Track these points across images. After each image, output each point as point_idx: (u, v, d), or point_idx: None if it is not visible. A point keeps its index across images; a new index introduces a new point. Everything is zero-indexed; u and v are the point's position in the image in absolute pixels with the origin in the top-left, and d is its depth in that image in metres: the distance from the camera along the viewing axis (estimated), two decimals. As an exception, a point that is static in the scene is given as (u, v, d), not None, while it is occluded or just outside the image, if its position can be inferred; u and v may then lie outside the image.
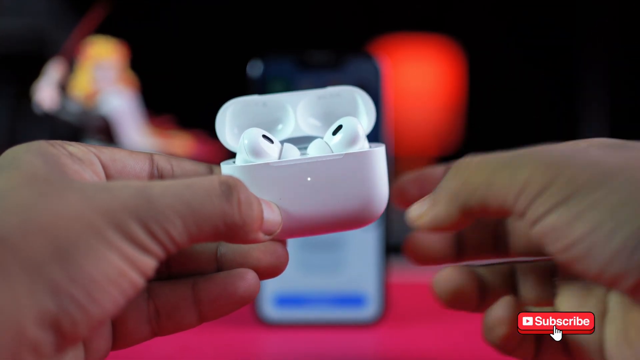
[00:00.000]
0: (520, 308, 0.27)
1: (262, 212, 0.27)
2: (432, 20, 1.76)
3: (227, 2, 1.66)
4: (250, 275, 0.28)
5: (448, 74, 1.79)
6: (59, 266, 0.22)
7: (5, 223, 0.22)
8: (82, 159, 0.27)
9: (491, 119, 1.69)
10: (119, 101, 0.58)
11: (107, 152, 0.28)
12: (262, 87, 0.46)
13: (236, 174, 0.28)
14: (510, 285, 0.30)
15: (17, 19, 1.55)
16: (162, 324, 0.28)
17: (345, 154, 0.28)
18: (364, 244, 0.45)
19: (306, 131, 0.30)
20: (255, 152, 0.28)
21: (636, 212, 0.22)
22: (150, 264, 0.24)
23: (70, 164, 0.26)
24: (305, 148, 0.30)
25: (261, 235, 0.27)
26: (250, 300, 0.28)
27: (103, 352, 0.27)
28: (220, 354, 0.39)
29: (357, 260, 0.45)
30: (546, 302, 0.29)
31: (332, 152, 0.29)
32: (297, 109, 0.31)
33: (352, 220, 0.29)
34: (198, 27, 1.66)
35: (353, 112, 0.31)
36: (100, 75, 0.58)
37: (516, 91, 1.71)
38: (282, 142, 0.29)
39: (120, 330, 0.27)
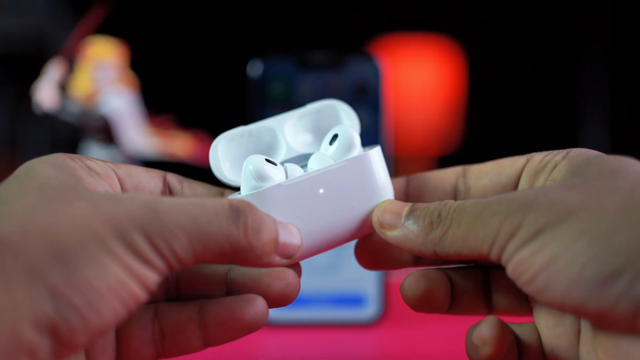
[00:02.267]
0: (503, 326, 0.27)
1: (275, 235, 0.26)
2: (432, 20, 1.76)
3: (227, 2, 1.66)
4: (259, 302, 0.27)
5: (448, 74, 1.79)
6: (57, 270, 0.22)
7: (7, 225, 0.22)
8: (100, 172, 0.27)
9: (491, 119, 1.69)
10: (119, 101, 0.58)
11: (123, 168, 0.29)
12: (262, 87, 0.46)
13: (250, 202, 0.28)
14: (482, 291, 0.30)
15: (17, 19, 1.55)
16: (166, 346, 0.27)
17: (349, 159, 0.29)
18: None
19: (299, 150, 0.31)
20: (262, 176, 0.28)
21: (590, 244, 0.23)
22: (152, 277, 0.24)
23: (86, 176, 0.26)
24: (304, 165, 0.30)
25: (277, 259, 0.27)
26: (257, 328, 0.27)
27: None
28: (221, 354, 0.39)
29: (357, 260, 0.45)
30: (520, 312, 0.29)
31: (333, 162, 0.29)
32: (284, 131, 0.31)
33: (367, 224, 0.29)
34: (198, 27, 1.66)
35: (337, 124, 0.31)
36: (100, 75, 0.58)
37: (516, 91, 1.71)
38: (282, 164, 0.30)
39: (125, 348, 0.27)
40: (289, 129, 0.31)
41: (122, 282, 0.23)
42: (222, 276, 0.28)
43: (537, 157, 0.29)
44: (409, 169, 1.72)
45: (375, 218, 0.28)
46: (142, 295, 0.24)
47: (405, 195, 0.31)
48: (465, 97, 1.77)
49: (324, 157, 0.29)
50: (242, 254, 0.25)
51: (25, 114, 1.47)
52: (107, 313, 0.23)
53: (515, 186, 0.29)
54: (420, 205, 0.28)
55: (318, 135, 0.31)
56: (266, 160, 0.28)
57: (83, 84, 0.58)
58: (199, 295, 0.28)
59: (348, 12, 1.73)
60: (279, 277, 0.27)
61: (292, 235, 0.27)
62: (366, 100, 0.46)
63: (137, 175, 0.29)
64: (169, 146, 0.61)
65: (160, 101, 0.67)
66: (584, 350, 0.26)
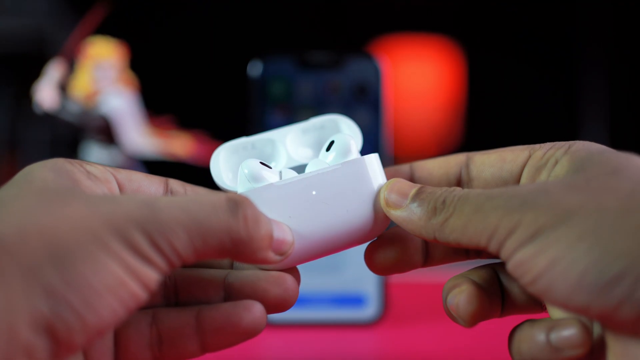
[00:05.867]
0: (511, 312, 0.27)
1: (271, 230, 0.26)
2: (432, 20, 1.76)
3: (227, 2, 1.66)
4: (257, 308, 0.27)
5: (448, 74, 1.79)
6: (55, 270, 0.22)
7: (5, 227, 0.22)
8: (99, 176, 0.27)
9: (491, 119, 1.69)
10: (119, 101, 0.58)
11: (124, 173, 0.28)
12: (262, 87, 0.46)
13: None
14: (495, 289, 0.29)
15: (17, 19, 1.55)
16: (163, 351, 0.27)
17: (343, 162, 0.28)
18: (364, 244, 0.45)
19: (300, 161, 0.31)
20: (256, 178, 0.28)
21: (590, 248, 0.23)
22: (152, 276, 0.23)
23: (84, 179, 0.26)
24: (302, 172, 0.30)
25: (271, 255, 0.26)
26: (255, 334, 0.27)
27: None
28: (221, 354, 0.39)
29: (357, 260, 0.45)
30: (534, 308, 0.29)
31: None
32: (286, 143, 0.31)
33: (361, 230, 0.29)
34: (198, 27, 1.66)
35: None
36: (100, 75, 0.58)
37: (516, 91, 1.71)
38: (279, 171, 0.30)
39: (122, 353, 0.27)
40: (291, 141, 0.31)
41: (121, 280, 0.23)
42: (220, 281, 0.28)
43: (539, 153, 0.29)
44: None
45: (382, 195, 0.28)
46: (142, 295, 0.23)
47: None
48: (465, 97, 1.77)
49: (321, 162, 0.29)
50: (241, 246, 0.25)
51: (25, 114, 1.47)
52: (105, 312, 0.22)
53: (517, 180, 0.29)
54: (428, 189, 0.28)
55: (319, 149, 0.31)
56: (261, 163, 0.29)
57: (83, 84, 0.58)
58: (196, 301, 0.28)
59: (348, 12, 1.73)
60: (277, 283, 0.27)
61: (285, 232, 0.27)
62: (366, 100, 0.46)
63: (137, 180, 0.29)
64: (169, 146, 0.61)
65: (160, 101, 0.67)
66: (596, 348, 0.26)
